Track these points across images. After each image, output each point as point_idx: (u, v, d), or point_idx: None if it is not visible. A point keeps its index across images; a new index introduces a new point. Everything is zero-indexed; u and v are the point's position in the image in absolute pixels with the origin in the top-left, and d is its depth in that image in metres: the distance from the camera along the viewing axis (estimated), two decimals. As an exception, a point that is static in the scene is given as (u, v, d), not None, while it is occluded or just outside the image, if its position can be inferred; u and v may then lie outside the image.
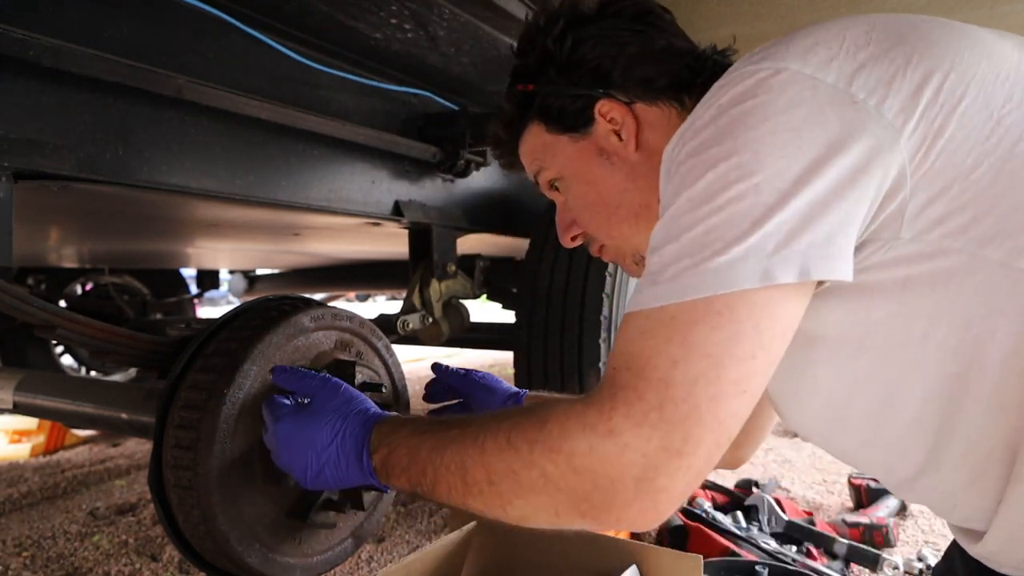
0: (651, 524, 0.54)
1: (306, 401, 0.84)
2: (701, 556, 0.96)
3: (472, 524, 1.11)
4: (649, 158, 0.77)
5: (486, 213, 2.03)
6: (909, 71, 0.55)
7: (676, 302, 0.52)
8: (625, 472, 0.52)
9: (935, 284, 0.55)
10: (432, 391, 1.18)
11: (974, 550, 0.65)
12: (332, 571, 1.07)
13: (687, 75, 0.78)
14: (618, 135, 0.79)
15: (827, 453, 0.73)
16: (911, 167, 0.54)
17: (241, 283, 4.67)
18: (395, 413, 0.80)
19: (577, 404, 0.56)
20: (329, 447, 0.76)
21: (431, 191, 1.82)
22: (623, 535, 2.25)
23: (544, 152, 0.85)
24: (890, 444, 0.63)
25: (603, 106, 0.78)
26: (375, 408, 0.80)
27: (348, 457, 0.75)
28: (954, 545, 0.76)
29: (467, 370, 1.15)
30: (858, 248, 0.56)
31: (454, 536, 1.08)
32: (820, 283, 0.57)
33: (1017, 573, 0.62)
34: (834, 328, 0.60)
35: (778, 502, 2.35)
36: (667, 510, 0.53)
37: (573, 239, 0.87)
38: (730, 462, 0.98)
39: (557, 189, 0.86)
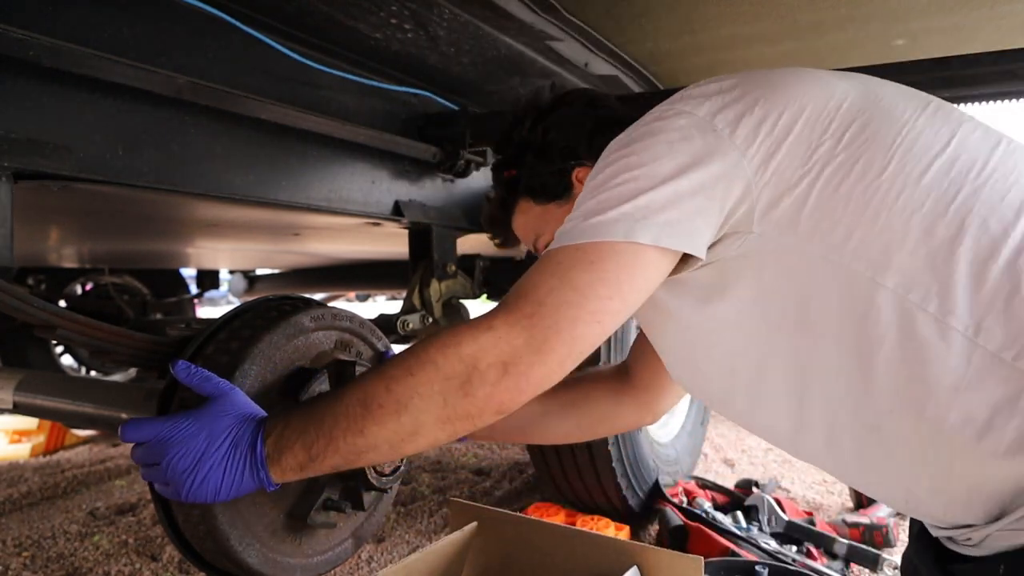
0: (512, 402, 0.70)
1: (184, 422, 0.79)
2: (702, 557, 0.96)
3: (473, 524, 1.11)
4: None
5: (486, 213, 2.03)
6: (755, 110, 0.76)
7: (565, 244, 0.72)
8: (497, 357, 0.69)
9: (778, 271, 0.74)
10: None
11: (871, 497, 0.88)
12: (332, 571, 1.08)
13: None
14: None
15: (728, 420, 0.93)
16: (755, 180, 0.73)
17: (241, 283, 4.67)
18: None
19: (473, 319, 0.73)
20: (215, 447, 0.75)
21: (431, 191, 1.82)
22: (624, 536, 2.25)
23: (538, 221, 1.06)
24: (768, 407, 0.81)
25: (579, 172, 1.01)
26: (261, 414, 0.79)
27: (241, 451, 0.74)
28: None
29: None
30: (722, 239, 0.75)
31: (455, 536, 1.08)
32: (684, 261, 0.75)
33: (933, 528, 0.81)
34: (710, 313, 0.79)
35: (778, 502, 2.35)
36: (528, 390, 0.70)
37: None
38: (647, 414, 1.18)
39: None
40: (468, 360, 0.69)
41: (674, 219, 0.71)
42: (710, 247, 0.75)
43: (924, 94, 0.83)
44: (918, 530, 0.88)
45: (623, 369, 1.20)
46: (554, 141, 1.02)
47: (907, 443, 0.72)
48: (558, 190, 1.02)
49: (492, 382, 0.69)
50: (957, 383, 0.67)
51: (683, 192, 0.71)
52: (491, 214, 1.15)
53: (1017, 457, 0.66)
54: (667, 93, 1.04)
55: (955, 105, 0.83)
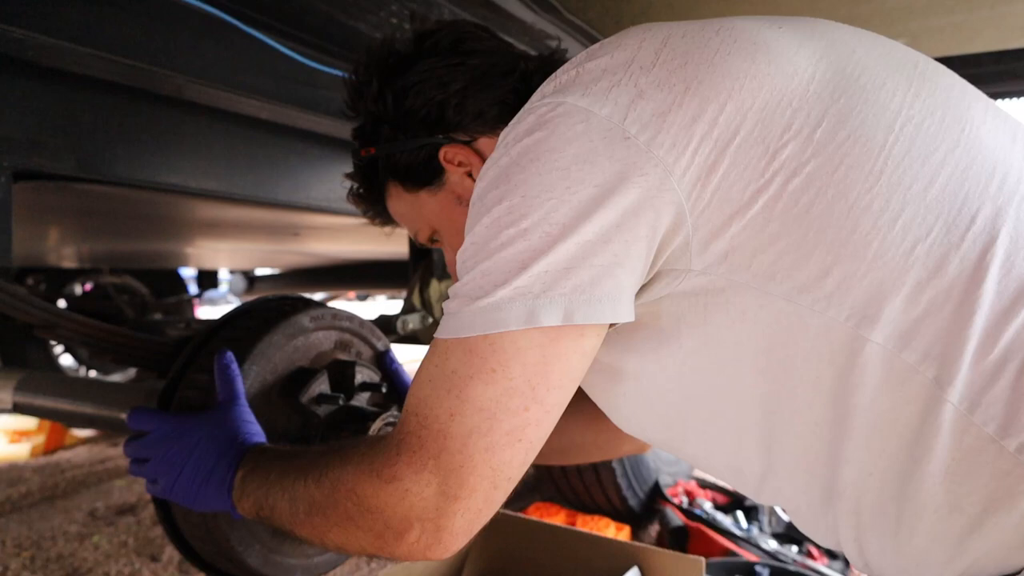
0: (441, 556, 0.58)
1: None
2: (703, 558, 0.96)
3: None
4: None
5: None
6: (686, 101, 0.54)
7: (455, 338, 0.55)
8: (408, 513, 0.57)
9: (731, 314, 0.56)
10: None
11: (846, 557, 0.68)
12: (333, 571, 1.07)
13: (514, 99, 0.76)
14: (470, 176, 0.77)
15: None
16: (688, 204, 0.54)
17: (241, 283, 4.67)
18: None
19: (375, 447, 0.61)
20: (198, 456, 0.75)
21: (431, 191, 1.82)
22: (624, 536, 2.25)
23: (411, 212, 0.83)
24: (728, 453, 0.66)
25: (447, 152, 0.77)
26: (255, 438, 0.79)
27: (218, 474, 0.74)
28: None
29: None
30: (655, 279, 0.58)
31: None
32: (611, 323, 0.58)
33: None
34: (654, 362, 0.62)
35: (778, 502, 2.35)
36: (452, 545, 0.58)
37: None
38: (640, 446, 1.00)
39: (437, 241, 0.85)
40: (376, 515, 0.58)
41: (585, 282, 0.53)
42: (638, 293, 0.58)
43: (909, 54, 0.63)
44: None
45: None
46: (411, 109, 0.76)
47: (881, 514, 0.58)
48: (426, 175, 0.78)
49: (411, 541, 0.58)
50: (945, 466, 0.53)
51: (591, 241, 0.53)
52: (357, 198, 0.89)
53: (1005, 561, 0.53)
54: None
55: (945, 68, 0.63)
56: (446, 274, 1.90)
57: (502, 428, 0.55)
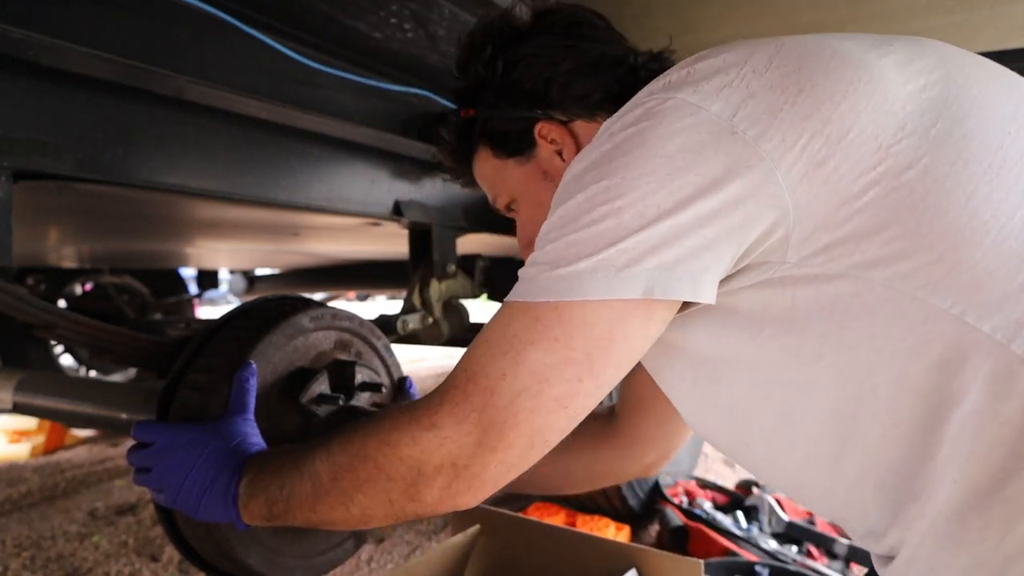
0: (469, 503, 0.59)
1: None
2: (702, 561, 0.96)
3: (476, 527, 1.11)
4: None
5: (486, 213, 2.03)
6: (800, 100, 0.55)
7: (524, 301, 0.56)
8: (444, 459, 0.57)
9: (821, 307, 0.56)
10: None
11: (883, 572, 0.64)
12: (333, 572, 1.08)
13: (618, 88, 0.78)
14: (560, 155, 0.80)
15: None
16: (792, 200, 0.54)
17: (241, 283, 4.67)
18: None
19: (414, 403, 0.62)
20: (199, 468, 0.75)
21: (431, 191, 1.82)
22: (624, 536, 2.25)
23: (495, 177, 0.86)
24: (793, 461, 0.64)
25: (542, 128, 0.79)
26: (255, 447, 0.79)
27: (220, 484, 0.73)
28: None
29: None
30: (744, 271, 0.58)
31: (457, 539, 1.08)
32: (686, 306, 0.59)
33: None
34: (729, 349, 0.62)
35: (778, 502, 2.35)
36: (481, 492, 0.58)
37: None
38: (643, 470, 1.00)
39: (513, 211, 0.87)
40: (409, 463, 0.59)
41: (669, 260, 0.53)
42: (723, 281, 0.58)
43: (1014, 75, 0.64)
44: None
45: (611, 413, 1.01)
46: (519, 80, 0.79)
47: (959, 522, 0.54)
48: (519, 145, 0.81)
49: (441, 486, 0.58)
50: None
51: (684, 225, 0.53)
52: (445, 158, 0.92)
53: None
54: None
55: None
56: (446, 274, 1.90)
57: (552, 393, 0.55)
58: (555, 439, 0.58)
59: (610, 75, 0.79)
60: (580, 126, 0.79)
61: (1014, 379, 0.51)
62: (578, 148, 0.79)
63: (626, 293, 0.53)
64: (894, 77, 0.58)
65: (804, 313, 0.57)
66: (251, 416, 0.83)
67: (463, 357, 0.60)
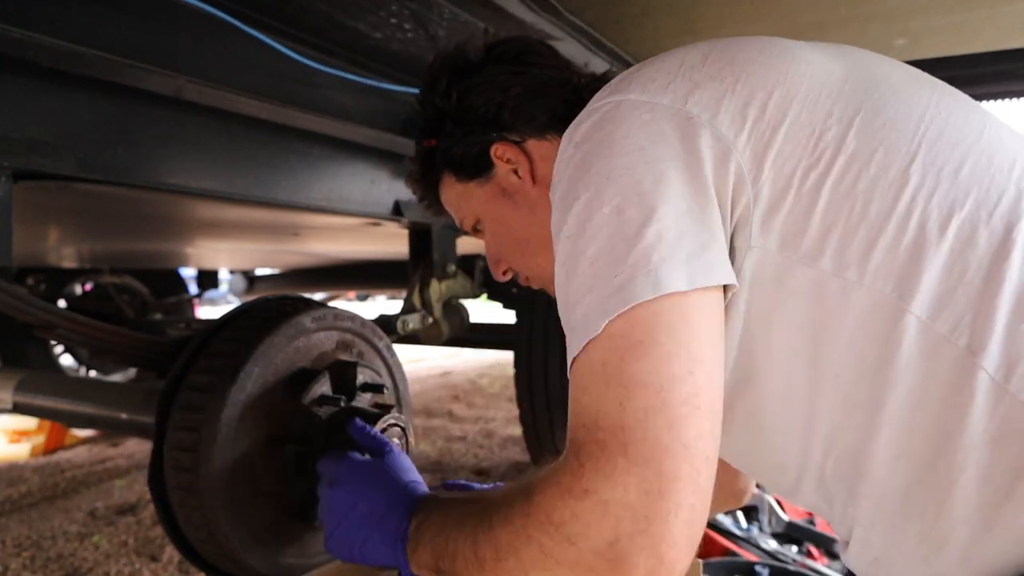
0: (674, 565, 0.50)
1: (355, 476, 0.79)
2: (700, 561, 0.96)
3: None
4: (547, 191, 0.79)
5: (486, 213, 2.03)
6: (737, 88, 0.59)
7: (591, 338, 0.53)
8: (616, 529, 0.49)
9: (782, 293, 0.58)
10: None
11: (844, 559, 0.66)
12: (332, 571, 1.08)
13: (564, 108, 0.82)
14: (516, 173, 0.84)
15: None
16: (750, 176, 0.57)
17: (241, 283, 4.67)
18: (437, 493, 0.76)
19: (555, 469, 0.55)
20: (366, 502, 0.74)
21: (431, 191, 1.82)
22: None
23: (459, 201, 0.90)
24: (773, 449, 0.65)
25: (497, 149, 0.83)
26: (421, 488, 0.78)
27: (387, 534, 0.71)
28: None
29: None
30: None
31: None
32: (725, 293, 0.58)
33: None
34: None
35: (778, 502, 2.35)
36: (678, 562, 0.49)
37: (504, 273, 0.92)
38: (731, 498, 0.95)
39: (479, 231, 0.91)
40: (580, 543, 0.50)
41: (696, 248, 0.54)
42: None
43: (928, 76, 0.68)
44: None
45: None
46: (472, 107, 0.84)
47: (904, 497, 0.58)
48: (477, 167, 0.85)
49: (629, 566, 0.49)
50: (978, 436, 0.53)
51: (685, 209, 0.55)
52: (414, 186, 0.97)
53: None
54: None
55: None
56: (446, 274, 1.90)
57: (676, 398, 0.50)
58: (712, 449, 0.52)
59: (556, 96, 0.83)
60: (533, 144, 0.83)
61: (939, 356, 0.54)
62: (532, 164, 0.83)
63: (674, 285, 0.52)
64: (819, 69, 0.62)
65: (771, 306, 0.58)
66: (399, 451, 0.83)
67: (572, 418, 0.55)
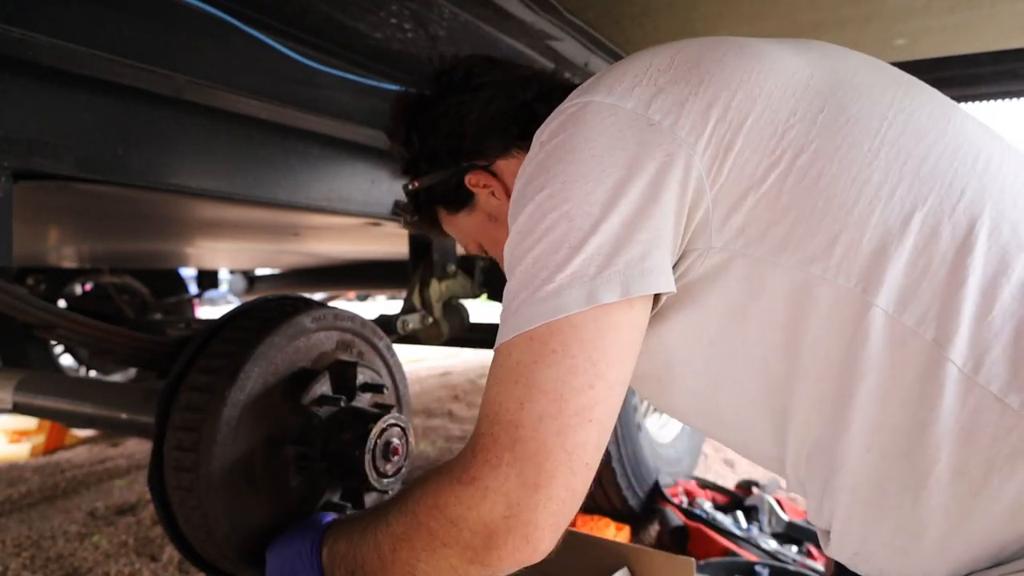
0: (531, 560, 0.57)
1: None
2: (693, 559, 0.96)
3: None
4: None
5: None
6: (701, 91, 0.60)
7: (518, 333, 0.57)
8: (492, 513, 0.55)
9: (750, 290, 0.60)
10: None
11: (827, 551, 0.67)
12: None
13: (518, 128, 0.84)
14: (494, 195, 0.86)
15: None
16: (708, 180, 0.58)
17: (241, 283, 4.66)
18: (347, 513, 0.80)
19: (450, 462, 0.61)
20: (285, 543, 0.79)
21: (431, 191, 1.82)
22: (624, 536, 2.25)
23: (458, 231, 0.93)
24: (763, 442, 0.68)
25: (471, 178, 0.85)
26: (329, 517, 0.81)
27: (303, 560, 0.75)
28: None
29: None
30: (680, 259, 0.61)
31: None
32: (657, 299, 0.61)
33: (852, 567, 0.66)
34: (684, 340, 0.65)
35: (779, 502, 2.35)
36: (541, 544, 0.56)
37: None
38: None
39: (487, 252, 0.94)
40: (460, 524, 0.57)
41: (636, 257, 0.56)
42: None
43: (897, 70, 0.68)
44: None
45: None
46: (436, 146, 0.86)
47: (879, 489, 0.59)
48: (459, 199, 0.87)
49: (499, 544, 0.56)
50: (949, 428, 0.54)
51: (632, 218, 0.56)
52: (420, 229, 1.00)
53: (1007, 524, 0.54)
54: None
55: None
56: (446, 274, 1.90)
57: (570, 409, 0.55)
58: (594, 459, 0.57)
59: (508, 117, 0.84)
60: (501, 164, 0.85)
61: (907, 349, 0.55)
62: (505, 184, 0.84)
63: (607, 298, 0.55)
64: (784, 67, 0.63)
65: (737, 303, 0.60)
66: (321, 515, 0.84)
67: (482, 404, 0.60)
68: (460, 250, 1.97)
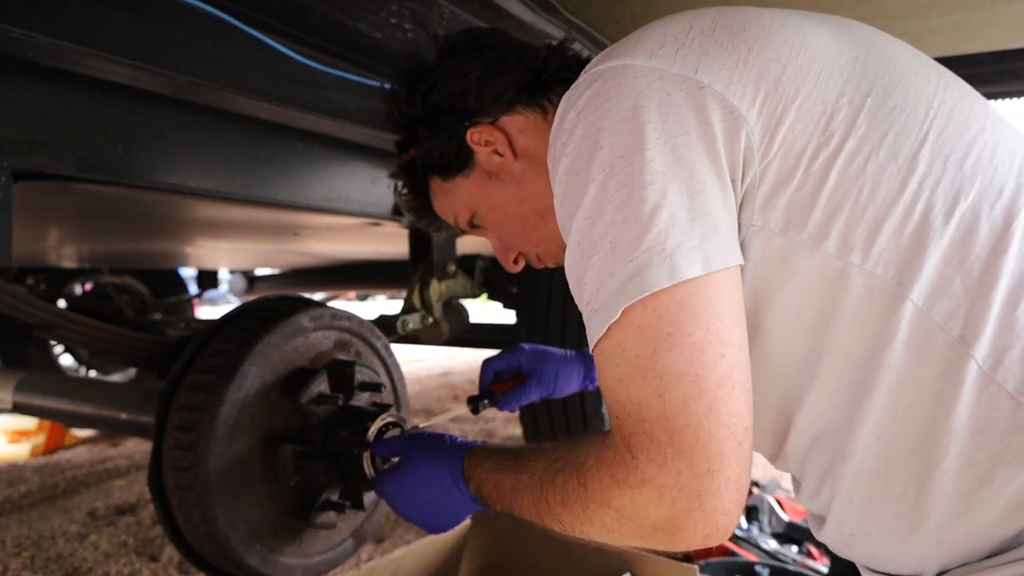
0: (723, 538, 0.55)
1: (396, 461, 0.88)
2: (695, 566, 0.96)
3: (467, 523, 1.11)
4: (531, 161, 0.82)
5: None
6: (750, 60, 0.57)
7: (612, 325, 0.55)
8: (673, 509, 0.54)
9: (784, 274, 0.58)
10: (489, 378, 1.10)
11: (818, 534, 0.69)
12: (333, 571, 1.08)
13: (530, 76, 0.83)
14: (497, 153, 0.83)
15: None
16: (759, 152, 0.56)
17: (241, 283, 4.67)
18: (480, 442, 0.81)
19: (605, 457, 0.58)
20: (431, 495, 0.80)
21: (431, 191, 1.82)
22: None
23: (450, 200, 0.89)
24: (762, 414, 0.65)
25: (473, 134, 0.82)
26: (459, 440, 0.83)
27: (450, 494, 0.78)
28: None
29: (516, 352, 1.09)
30: None
31: (448, 536, 1.08)
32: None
33: (844, 554, 0.67)
34: None
35: (779, 502, 2.35)
36: (728, 522, 0.54)
37: (515, 262, 0.91)
38: None
39: (477, 226, 0.90)
40: (642, 521, 0.56)
41: (710, 229, 0.54)
42: None
43: (932, 60, 0.66)
44: (843, 567, 0.76)
45: None
46: (439, 104, 0.84)
47: (884, 476, 0.59)
48: (458, 160, 0.84)
49: (688, 535, 0.55)
50: (963, 422, 0.55)
51: (699, 189, 0.55)
52: (409, 205, 0.96)
53: (1006, 518, 0.55)
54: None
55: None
56: (446, 274, 1.90)
57: (711, 383, 0.53)
58: (750, 419, 0.55)
59: (517, 70, 0.83)
60: (506, 121, 0.83)
61: (932, 344, 0.55)
62: (510, 140, 0.82)
63: (690, 272, 0.53)
64: (829, 47, 0.60)
65: (771, 286, 0.59)
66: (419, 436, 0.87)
67: (611, 409, 0.57)
68: (460, 250, 1.98)
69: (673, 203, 0.54)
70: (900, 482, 0.58)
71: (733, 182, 0.57)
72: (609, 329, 0.55)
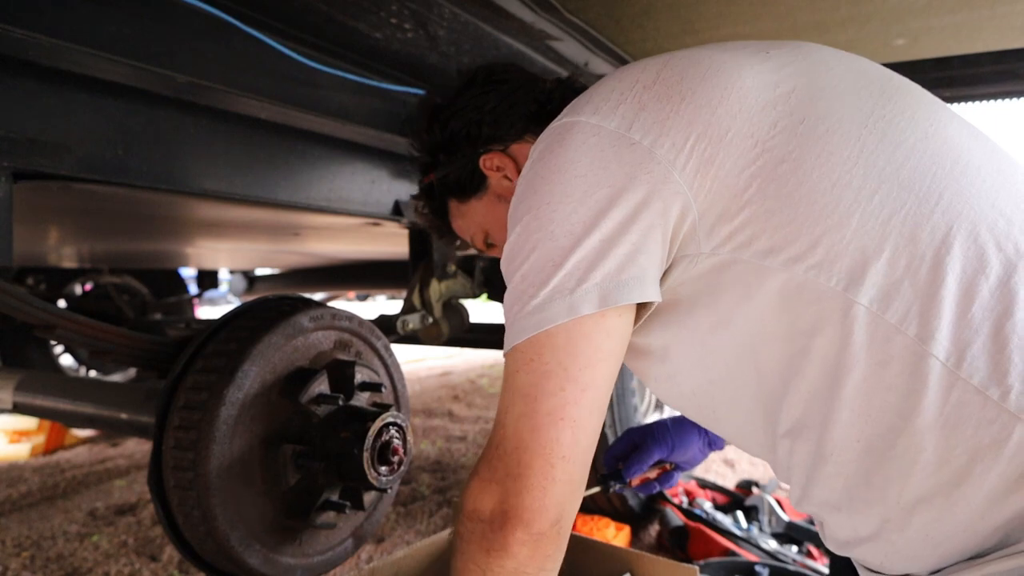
0: (537, 543, 0.61)
1: None
2: (696, 568, 0.96)
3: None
4: None
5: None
6: (682, 108, 0.63)
7: (513, 346, 0.63)
8: (492, 500, 0.62)
9: (737, 292, 0.63)
10: (612, 464, 1.09)
11: (824, 539, 0.71)
12: (332, 571, 1.08)
13: (536, 108, 0.91)
14: (507, 177, 0.91)
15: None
16: (692, 193, 0.62)
17: (241, 283, 4.67)
18: None
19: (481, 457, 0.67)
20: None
21: (431, 191, 1.82)
22: (624, 536, 2.25)
23: (467, 221, 0.98)
24: (749, 431, 0.72)
25: (486, 160, 0.91)
26: None
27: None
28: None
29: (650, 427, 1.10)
30: (672, 267, 0.65)
31: (445, 534, 1.08)
32: (643, 308, 0.65)
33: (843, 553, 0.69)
34: (677, 341, 0.70)
35: (779, 502, 2.35)
36: (534, 525, 0.61)
37: None
38: None
39: (492, 245, 0.98)
40: (475, 517, 0.63)
41: (612, 270, 0.60)
42: (661, 280, 0.66)
43: (883, 70, 0.71)
44: (842, 566, 0.80)
45: None
46: (456, 133, 0.93)
47: (865, 480, 0.61)
48: (472, 183, 0.93)
49: (500, 531, 0.61)
50: (933, 420, 0.57)
51: (611, 235, 0.61)
52: (429, 224, 1.06)
53: (988, 511, 0.57)
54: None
55: (914, 84, 0.71)
56: (446, 274, 1.90)
57: (543, 409, 0.61)
58: (571, 452, 0.61)
59: (527, 102, 0.92)
60: (516, 148, 0.91)
61: (891, 345, 0.58)
62: (518, 166, 0.90)
63: (586, 310, 0.60)
64: (765, 82, 0.66)
65: (726, 304, 0.64)
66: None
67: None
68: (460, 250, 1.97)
69: (584, 248, 0.61)
70: (881, 486, 0.61)
71: (666, 227, 0.62)
72: (513, 347, 0.63)
